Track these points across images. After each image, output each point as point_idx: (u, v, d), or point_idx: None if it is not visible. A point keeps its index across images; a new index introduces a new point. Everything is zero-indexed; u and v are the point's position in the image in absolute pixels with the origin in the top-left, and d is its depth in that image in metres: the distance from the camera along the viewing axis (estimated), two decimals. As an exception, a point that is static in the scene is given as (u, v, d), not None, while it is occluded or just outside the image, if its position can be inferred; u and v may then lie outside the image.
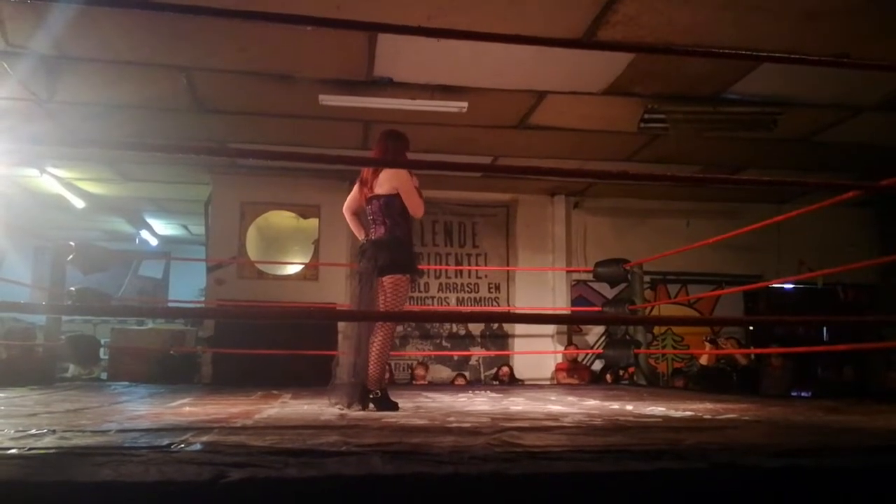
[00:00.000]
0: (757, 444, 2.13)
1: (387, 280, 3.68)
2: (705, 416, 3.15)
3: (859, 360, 8.66)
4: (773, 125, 6.27)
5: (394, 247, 3.72)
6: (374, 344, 3.66)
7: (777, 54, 2.93)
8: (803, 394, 7.17)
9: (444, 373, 8.84)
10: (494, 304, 9.20)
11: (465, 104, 6.05)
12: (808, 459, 1.73)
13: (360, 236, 4.00)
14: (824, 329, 9.09)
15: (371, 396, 3.60)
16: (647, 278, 7.90)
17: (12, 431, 2.21)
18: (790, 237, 9.09)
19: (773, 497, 1.57)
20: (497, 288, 9.25)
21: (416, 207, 3.78)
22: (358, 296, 3.80)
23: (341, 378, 3.71)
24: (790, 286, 9.76)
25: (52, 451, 1.80)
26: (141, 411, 3.34)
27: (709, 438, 2.23)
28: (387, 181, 3.77)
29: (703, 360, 7.73)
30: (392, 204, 3.75)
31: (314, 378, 6.87)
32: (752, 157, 7.63)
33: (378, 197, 3.79)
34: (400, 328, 8.79)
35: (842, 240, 8.95)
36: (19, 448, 1.80)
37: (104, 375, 8.26)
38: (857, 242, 9.01)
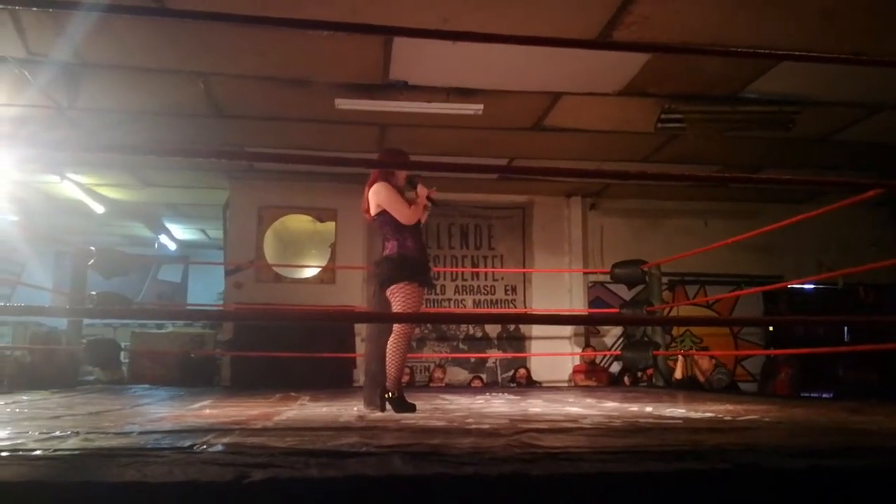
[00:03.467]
0: (779, 445, 2.11)
1: (390, 291, 3.74)
2: (726, 418, 3.13)
3: (882, 360, 8.55)
4: (791, 124, 6.22)
5: (396, 262, 3.76)
6: (389, 347, 3.70)
7: (794, 53, 2.91)
8: (825, 395, 7.10)
9: (461, 375, 8.84)
10: (511, 305, 9.18)
11: (481, 106, 6.05)
12: (832, 460, 1.71)
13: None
14: (845, 329, 8.98)
15: (387, 398, 3.63)
16: (665, 279, 7.85)
17: (37, 433, 2.24)
18: (809, 237, 8.99)
19: (796, 498, 1.56)
20: (513, 290, 9.24)
21: (401, 216, 3.77)
22: (373, 309, 3.98)
23: (366, 381, 3.81)
24: (810, 286, 9.67)
25: (76, 452, 1.83)
26: (162, 413, 3.37)
27: (730, 439, 2.22)
28: (370, 202, 3.85)
29: (678, 374, 7.60)
30: (385, 220, 3.81)
31: (332, 380, 6.93)
32: (770, 157, 7.57)
33: (374, 217, 3.88)
34: (417, 331, 8.80)
35: (862, 239, 8.85)
36: (44, 450, 1.83)
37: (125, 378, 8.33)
38: (878, 242, 8.90)
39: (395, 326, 3.74)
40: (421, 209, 3.85)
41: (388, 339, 3.72)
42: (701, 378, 7.36)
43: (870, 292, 9.40)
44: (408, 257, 3.76)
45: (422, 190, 3.85)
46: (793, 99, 5.99)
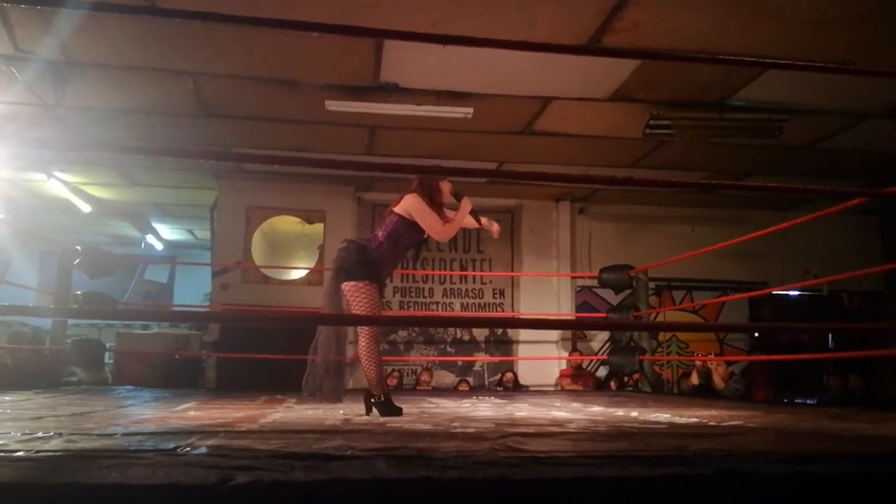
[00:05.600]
0: (763, 451, 2.13)
1: (348, 287, 3.67)
2: (710, 423, 3.14)
3: (865, 367, 8.63)
4: (779, 132, 6.27)
5: (357, 251, 3.72)
6: (361, 352, 3.67)
7: (782, 61, 2.93)
8: (808, 401, 7.15)
9: (448, 378, 8.84)
10: (499, 309, 9.19)
11: (471, 110, 6.06)
12: (815, 466, 1.72)
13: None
14: (829, 336, 9.06)
15: (373, 401, 3.61)
16: (652, 284, 7.89)
17: (19, 434, 2.22)
18: (795, 244, 9.07)
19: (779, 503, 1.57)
20: (501, 293, 9.25)
21: (437, 231, 3.77)
22: (325, 293, 3.84)
23: (312, 374, 3.67)
24: (795, 293, 9.74)
25: (59, 453, 1.81)
26: (146, 415, 3.35)
27: (714, 445, 2.23)
28: (402, 205, 3.78)
29: (694, 381, 7.66)
30: (392, 222, 3.78)
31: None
32: (757, 164, 7.63)
33: (391, 212, 3.83)
34: (404, 333, 8.80)
35: (847, 247, 8.93)
36: (27, 450, 1.81)
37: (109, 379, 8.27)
38: (863, 249, 8.99)
39: (361, 330, 3.70)
40: (457, 227, 3.87)
41: (341, 333, 3.69)
42: (719, 386, 7.36)
43: (854, 299, 9.49)
44: (374, 257, 3.72)
45: (465, 204, 3.87)
46: (781, 107, 6.04)
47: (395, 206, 3.82)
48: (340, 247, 3.85)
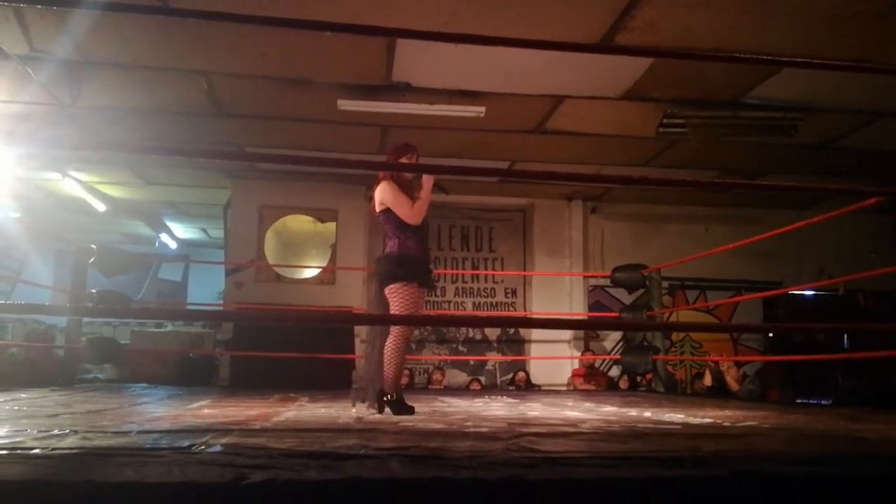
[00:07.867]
0: (778, 452, 2.11)
1: (389, 290, 3.73)
2: (725, 424, 3.12)
3: (881, 368, 8.54)
4: (794, 130, 6.22)
5: (395, 260, 3.79)
6: (387, 349, 3.69)
7: (797, 59, 2.91)
8: (823, 402, 7.09)
9: (460, 377, 8.83)
10: (511, 308, 9.18)
11: (483, 109, 6.05)
12: (831, 468, 1.71)
13: None
14: (845, 336, 8.96)
15: (386, 400, 3.62)
16: (665, 284, 7.85)
17: (35, 432, 2.24)
18: (810, 244, 9.00)
19: (795, 505, 1.56)
20: (514, 293, 9.23)
21: (406, 216, 3.78)
22: (371, 309, 3.99)
23: (360, 382, 3.76)
24: (810, 293, 9.66)
25: (74, 451, 1.82)
26: (161, 413, 3.37)
27: (729, 446, 2.22)
28: (376, 199, 3.86)
29: (707, 382, 7.61)
30: (391, 218, 3.82)
31: (331, 381, 6.93)
32: (771, 163, 7.58)
33: (379, 214, 3.90)
34: (416, 332, 8.80)
35: (862, 246, 8.84)
36: (42, 448, 1.83)
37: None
38: (878, 249, 8.90)
39: (394, 328, 3.74)
40: (425, 207, 3.85)
41: (385, 340, 3.72)
42: (733, 388, 7.29)
43: (869, 299, 9.39)
44: (408, 256, 3.76)
45: (427, 180, 3.86)
46: (796, 105, 5.99)
47: (378, 208, 3.85)
48: (376, 261, 4.00)
